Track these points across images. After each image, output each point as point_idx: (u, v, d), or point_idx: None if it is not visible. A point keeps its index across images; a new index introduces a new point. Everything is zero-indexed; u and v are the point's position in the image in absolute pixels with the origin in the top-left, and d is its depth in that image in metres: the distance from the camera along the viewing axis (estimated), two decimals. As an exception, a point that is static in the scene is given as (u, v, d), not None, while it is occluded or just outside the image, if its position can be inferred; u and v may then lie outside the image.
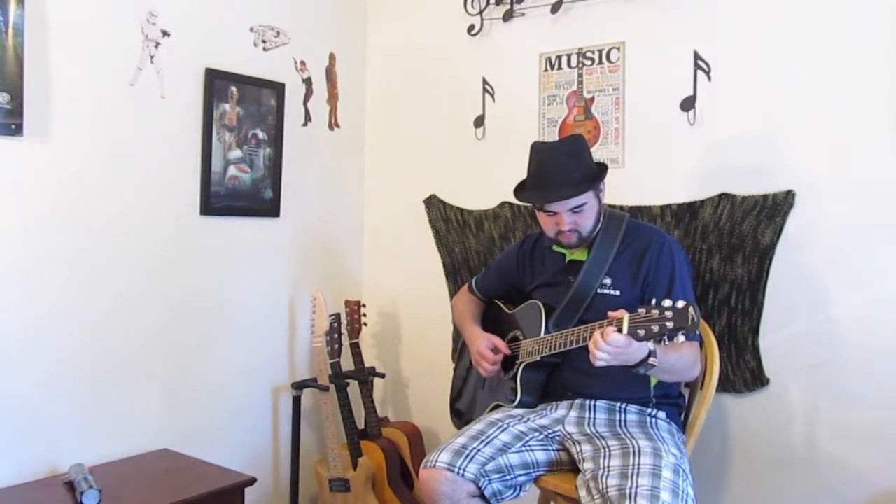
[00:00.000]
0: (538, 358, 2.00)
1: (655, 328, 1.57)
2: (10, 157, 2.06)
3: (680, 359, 1.82)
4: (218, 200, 2.58)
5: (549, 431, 1.98)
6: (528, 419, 2.00)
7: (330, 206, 3.04)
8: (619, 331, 1.61)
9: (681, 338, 1.56)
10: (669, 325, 1.55)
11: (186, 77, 2.48)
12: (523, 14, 2.69)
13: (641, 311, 1.60)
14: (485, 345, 2.14)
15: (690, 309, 1.54)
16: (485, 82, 2.80)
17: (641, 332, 1.59)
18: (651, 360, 1.66)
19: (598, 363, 1.66)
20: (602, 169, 2.01)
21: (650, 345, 1.63)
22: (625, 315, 1.62)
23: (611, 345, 1.62)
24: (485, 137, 2.81)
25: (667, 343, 1.59)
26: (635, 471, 1.70)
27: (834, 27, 2.08)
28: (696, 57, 2.30)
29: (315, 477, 2.81)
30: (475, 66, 2.81)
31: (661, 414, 1.97)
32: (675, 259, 1.96)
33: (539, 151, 2.01)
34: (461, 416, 2.33)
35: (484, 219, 2.80)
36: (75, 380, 2.23)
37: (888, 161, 2.01)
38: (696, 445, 2.04)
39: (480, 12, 2.78)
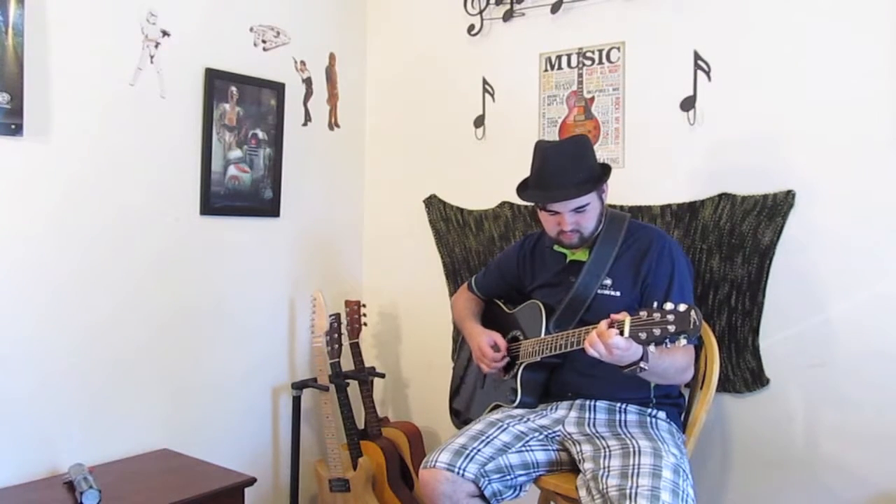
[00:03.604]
0: (538, 359, 2.00)
1: (657, 331, 1.56)
2: (10, 157, 2.06)
3: (672, 363, 1.81)
4: (218, 200, 2.58)
5: (550, 431, 1.98)
6: (528, 419, 2.00)
7: (330, 206, 3.04)
8: (621, 333, 1.61)
9: (682, 341, 1.56)
10: (671, 328, 1.55)
11: (186, 77, 2.48)
12: (523, 14, 2.69)
13: (643, 313, 1.60)
14: (486, 341, 2.14)
15: (692, 312, 1.53)
16: (485, 82, 2.80)
17: (643, 335, 1.58)
18: (642, 364, 1.66)
19: (591, 353, 1.66)
20: (605, 170, 2.01)
21: (651, 348, 1.63)
22: (626, 318, 1.62)
23: (612, 347, 1.62)
24: (485, 137, 2.81)
25: (668, 346, 1.59)
26: (635, 471, 1.70)
27: (834, 27, 2.08)
28: (696, 57, 2.30)
29: (315, 477, 2.81)
30: (475, 66, 2.81)
31: (661, 414, 1.97)
32: (674, 261, 1.96)
33: (543, 150, 2.00)
34: (458, 415, 2.33)
35: (484, 219, 2.80)
36: (75, 380, 2.22)
37: (888, 161, 2.01)
38: (697, 445, 2.04)
39: (480, 12, 2.78)
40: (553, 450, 1.97)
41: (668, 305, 1.57)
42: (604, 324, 1.66)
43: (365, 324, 2.89)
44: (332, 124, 3.04)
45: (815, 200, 2.11)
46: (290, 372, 2.90)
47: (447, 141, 2.91)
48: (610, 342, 1.62)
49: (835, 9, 2.08)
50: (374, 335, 3.16)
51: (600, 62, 2.51)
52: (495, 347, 2.12)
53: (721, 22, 2.26)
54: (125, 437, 2.35)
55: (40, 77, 2.10)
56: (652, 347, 1.61)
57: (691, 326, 1.53)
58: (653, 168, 2.41)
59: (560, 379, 2.04)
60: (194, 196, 2.53)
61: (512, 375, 2.09)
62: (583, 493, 1.75)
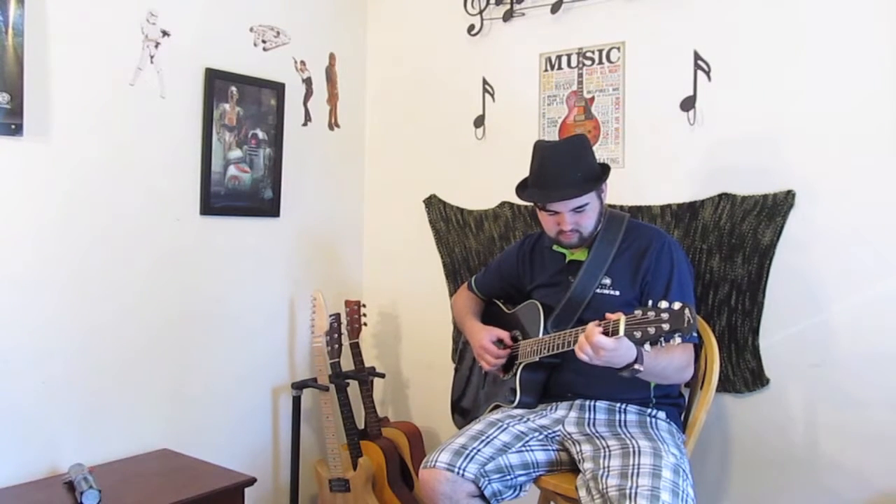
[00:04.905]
0: (537, 358, 2.00)
1: (652, 330, 1.56)
2: (10, 157, 2.06)
3: (670, 363, 1.81)
4: (218, 200, 2.58)
5: (549, 431, 1.98)
6: (528, 419, 2.00)
7: (330, 206, 3.04)
8: (616, 332, 1.61)
9: (677, 339, 1.56)
10: (665, 326, 1.55)
11: (186, 77, 2.48)
12: (523, 14, 2.69)
13: (638, 312, 1.59)
14: (487, 338, 2.14)
15: (687, 310, 1.53)
16: (485, 82, 2.80)
17: (638, 334, 1.58)
18: (636, 366, 1.66)
19: (581, 356, 1.66)
20: (605, 170, 2.01)
21: (647, 347, 1.62)
22: (621, 317, 1.61)
23: (597, 347, 1.61)
24: (485, 137, 2.81)
25: (663, 345, 1.59)
26: (635, 471, 1.70)
27: (834, 27, 2.08)
28: (696, 57, 2.30)
29: (315, 477, 2.81)
30: (475, 66, 2.81)
31: (661, 414, 1.97)
32: (674, 260, 1.96)
33: (542, 150, 2.00)
34: (465, 415, 2.32)
35: (484, 219, 2.80)
36: (76, 380, 2.22)
37: (888, 161, 2.01)
38: (696, 445, 2.04)
39: (480, 12, 2.78)
40: (553, 450, 1.97)
41: (663, 304, 1.57)
42: (591, 325, 1.66)
43: (365, 324, 2.89)
44: (332, 124, 3.04)
45: (816, 200, 2.11)
46: (290, 372, 2.90)
47: (447, 141, 2.91)
48: (594, 341, 1.61)
49: (835, 8, 2.08)
50: (374, 335, 3.16)
51: (600, 62, 2.51)
52: (498, 343, 2.12)
53: (721, 22, 2.26)
54: (125, 437, 2.35)
55: (40, 77, 2.10)
56: (647, 347, 1.61)
57: (686, 325, 1.53)
58: (653, 168, 2.41)
59: (560, 379, 2.04)
60: (194, 196, 2.53)
61: (511, 375, 2.09)
62: (583, 493, 1.74)
